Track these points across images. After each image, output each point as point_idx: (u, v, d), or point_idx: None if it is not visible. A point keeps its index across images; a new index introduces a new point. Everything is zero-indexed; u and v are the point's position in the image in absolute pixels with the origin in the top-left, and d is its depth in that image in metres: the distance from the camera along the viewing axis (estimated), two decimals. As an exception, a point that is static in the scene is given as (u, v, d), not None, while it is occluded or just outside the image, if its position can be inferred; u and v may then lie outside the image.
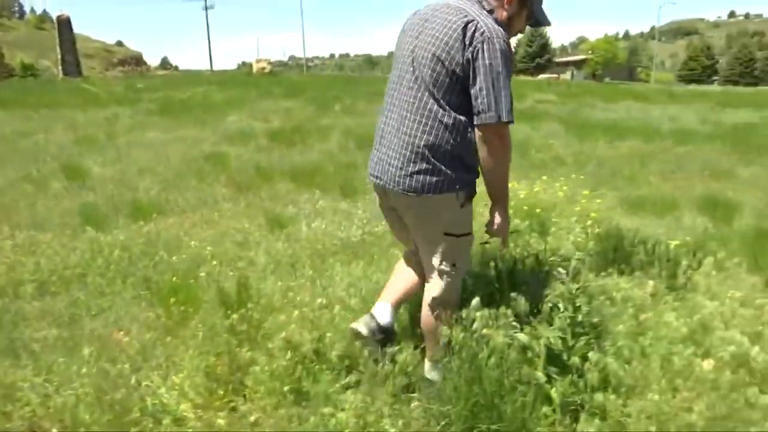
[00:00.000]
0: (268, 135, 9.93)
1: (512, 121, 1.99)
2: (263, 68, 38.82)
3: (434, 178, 2.04)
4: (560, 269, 1.92)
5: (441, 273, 2.15)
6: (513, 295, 1.98)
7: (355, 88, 23.59)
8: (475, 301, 1.93)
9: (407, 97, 2.10)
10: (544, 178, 4.73)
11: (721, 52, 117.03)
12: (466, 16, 1.99)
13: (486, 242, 2.42)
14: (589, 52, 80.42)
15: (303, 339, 2.14)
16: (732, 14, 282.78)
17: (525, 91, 23.01)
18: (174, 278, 3.08)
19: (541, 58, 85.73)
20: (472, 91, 1.97)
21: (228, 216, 5.09)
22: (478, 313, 1.87)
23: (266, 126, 11.39)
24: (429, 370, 2.19)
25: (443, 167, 2.04)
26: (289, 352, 2.06)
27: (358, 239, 4.12)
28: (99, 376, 2.16)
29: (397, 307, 2.34)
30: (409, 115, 2.08)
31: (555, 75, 63.35)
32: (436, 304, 2.15)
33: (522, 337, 1.84)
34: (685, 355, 1.88)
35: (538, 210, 3.56)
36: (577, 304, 1.85)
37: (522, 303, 1.95)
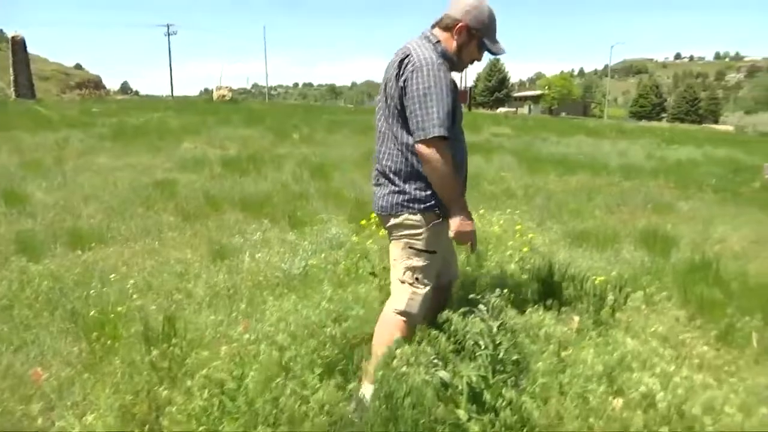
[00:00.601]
0: (222, 163, 9.83)
1: (443, 136, 2.15)
2: (224, 95, 38.54)
3: (400, 198, 2.29)
4: (482, 306, 1.92)
5: (404, 285, 2.32)
6: (434, 332, 1.97)
7: (316, 117, 23.67)
8: (399, 335, 1.91)
9: (378, 127, 2.40)
10: (481, 211, 4.77)
11: (669, 91, 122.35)
12: (405, 52, 2.26)
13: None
14: (546, 87, 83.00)
15: (224, 377, 2.07)
16: (678, 56, 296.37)
17: (482, 124, 23.52)
18: (99, 311, 2.97)
19: (499, 92, 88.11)
20: (407, 116, 2.21)
21: (171, 245, 4.97)
22: (398, 351, 1.85)
23: (221, 153, 11.28)
24: (365, 393, 2.18)
25: (407, 187, 2.28)
26: (207, 390, 1.99)
27: (300, 271, 4.07)
28: (2, 418, 2.04)
29: None
30: (379, 142, 2.37)
31: (513, 109, 65.03)
32: (401, 317, 2.28)
33: (443, 374, 1.83)
34: (599, 393, 1.90)
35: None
36: (498, 342, 1.86)
37: (443, 340, 1.94)
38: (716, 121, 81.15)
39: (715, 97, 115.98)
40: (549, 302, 2.50)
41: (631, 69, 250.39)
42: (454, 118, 2.26)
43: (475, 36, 2.34)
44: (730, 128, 44.78)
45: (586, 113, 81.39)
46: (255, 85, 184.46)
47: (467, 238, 2.30)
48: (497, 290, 1.98)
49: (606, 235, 5.62)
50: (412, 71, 2.18)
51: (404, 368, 1.81)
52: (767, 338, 2.93)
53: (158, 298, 3.55)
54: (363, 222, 4.02)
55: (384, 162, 2.32)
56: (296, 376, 2.09)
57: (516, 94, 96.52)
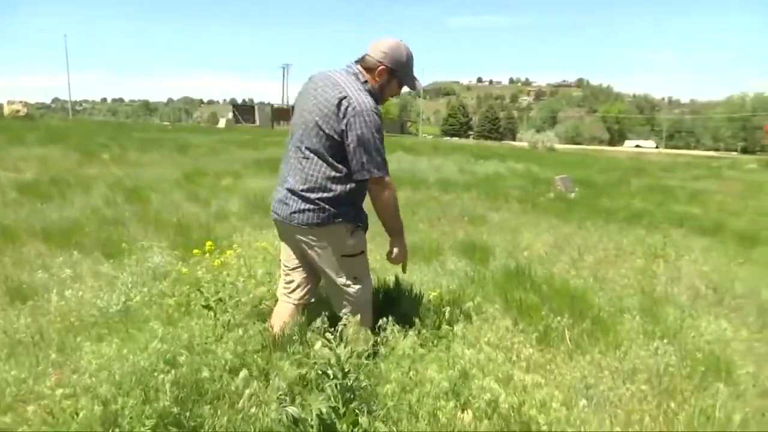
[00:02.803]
0: (17, 187, 8.61)
1: (386, 175, 2.50)
2: (17, 111, 33.85)
3: (320, 214, 2.50)
4: (328, 334, 1.88)
5: (347, 289, 2.60)
6: (281, 364, 1.88)
7: (128, 136, 21.94)
8: (243, 374, 1.79)
9: (299, 154, 2.56)
10: None
11: (474, 111, 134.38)
12: (341, 92, 2.44)
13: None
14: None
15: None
16: (480, 79, 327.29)
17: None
18: None
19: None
20: (348, 155, 2.45)
21: (-47, 289, 4.20)
22: (247, 391, 1.73)
23: (15, 177, 9.87)
24: None
25: (326, 204, 2.49)
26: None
27: (119, 308, 3.67)
28: None
29: None
30: (300, 167, 2.54)
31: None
32: (360, 311, 2.53)
33: (292, 410, 1.75)
34: (448, 409, 1.97)
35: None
36: (346, 369, 1.83)
37: (292, 372, 1.86)
38: (514, 138, 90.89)
39: (511, 117, 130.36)
40: (392, 319, 2.53)
41: (441, 90, 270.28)
42: None
43: (395, 75, 2.59)
44: (525, 144, 50.29)
45: (404, 131, 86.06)
46: (56, 100, 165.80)
47: (402, 259, 2.74)
48: (344, 316, 1.95)
49: (431, 247, 5.93)
50: (354, 116, 2.39)
51: (253, 409, 1.69)
52: (576, 334, 3.30)
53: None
54: (196, 251, 3.76)
55: (306, 185, 2.51)
56: (125, 432, 1.86)
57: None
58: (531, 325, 3.33)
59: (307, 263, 2.72)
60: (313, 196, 2.49)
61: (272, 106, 71.43)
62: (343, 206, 2.52)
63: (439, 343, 2.59)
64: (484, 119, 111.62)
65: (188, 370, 2.18)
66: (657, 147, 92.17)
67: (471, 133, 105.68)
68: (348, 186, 2.50)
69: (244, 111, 62.07)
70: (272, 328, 2.65)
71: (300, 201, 2.51)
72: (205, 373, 2.17)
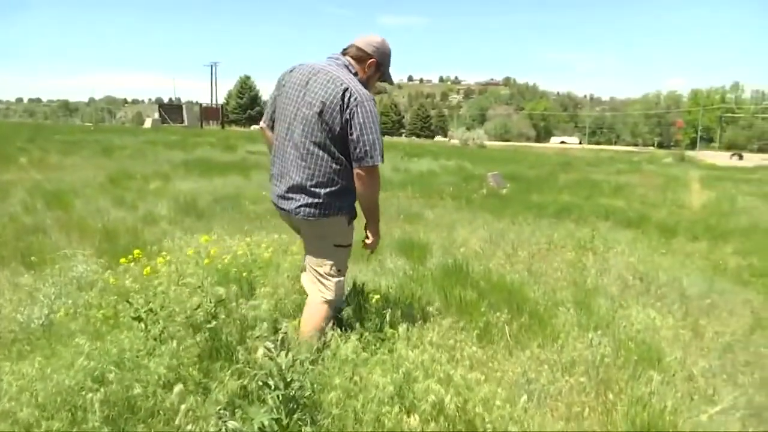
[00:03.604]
0: None
1: (382, 162, 2.59)
2: None
3: (327, 208, 2.61)
4: (268, 343, 1.80)
5: (327, 280, 2.71)
6: (221, 375, 1.79)
7: (48, 138, 20.77)
8: (178, 389, 1.69)
9: (299, 149, 2.60)
10: (248, 240, 4.59)
11: (406, 109, 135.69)
12: (342, 83, 2.53)
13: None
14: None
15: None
16: (410, 78, 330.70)
17: (236, 143, 23.10)
18: None
19: (252, 109, 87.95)
20: (351, 143, 2.54)
21: None
22: (183, 407, 1.63)
23: None
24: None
25: (333, 199, 2.61)
26: None
27: (42, 322, 3.43)
28: None
29: None
30: (304, 163, 2.59)
31: (267, 126, 65.31)
32: (329, 304, 2.68)
33: (233, 425, 1.67)
34: (393, 414, 1.94)
35: (244, 274, 3.43)
36: (289, 379, 1.76)
37: (231, 384, 1.77)
38: (445, 136, 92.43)
39: (442, 114, 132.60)
40: (331, 323, 2.48)
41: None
42: None
43: (380, 69, 2.78)
44: (456, 142, 51.26)
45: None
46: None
47: (377, 244, 2.93)
48: (284, 324, 1.88)
49: (369, 247, 5.89)
50: (356, 106, 2.51)
51: (190, 426, 1.60)
52: (515, 329, 3.36)
53: None
54: (123, 260, 3.56)
55: (311, 179, 2.58)
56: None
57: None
58: (471, 322, 3.35)
59: None
60: (321, 191, 2.59)
61: (201, 105, 69.42)
62: (345, 197, 2.66)
63: (382, 346, 2.56)
64: (416, 117, 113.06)
65: (118, 387, 2.04)
66: (581, 143, 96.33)
67: (403, 131, 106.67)
68: (350, 177, 2.63)
69: (171, 110, 59.85)
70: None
71: (307, 196, 2.60)
72: (137, 390, 2.04)
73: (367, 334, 2.57)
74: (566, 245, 6.47)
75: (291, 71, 2.74)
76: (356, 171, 2.58)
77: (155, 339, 2.36)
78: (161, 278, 3.07)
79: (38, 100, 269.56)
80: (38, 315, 3.50)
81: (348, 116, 2.51)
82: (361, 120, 2.51)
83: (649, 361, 3.04)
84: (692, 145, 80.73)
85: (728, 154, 57.31)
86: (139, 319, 2.48)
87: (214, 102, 71.07)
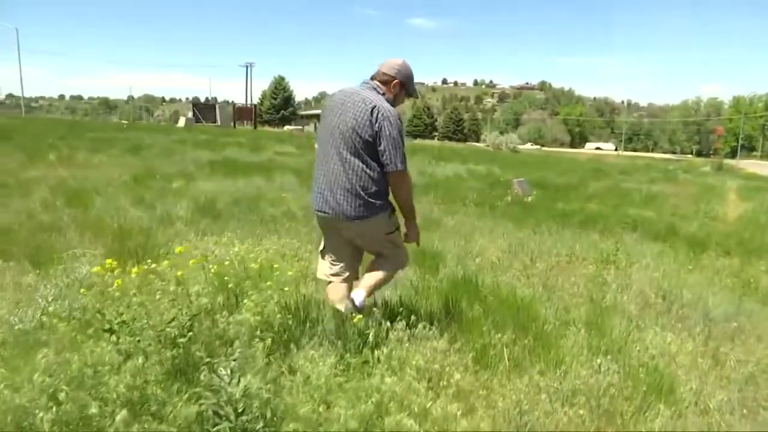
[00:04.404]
0: (-52, 193, 8.10)
1: (406, 168, 3.14)
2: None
3: (371, 208, 3.12)
4: (222, 369, 1.66)
5: (391, 252, 3.36)
6: (176, 401, 1.66)
7: (80, 135, 21.15)
8: (120, 416, 1.56)
9: (340, 159, 3.11)
10: (237, 247, 4.42)
11: (439, 112, 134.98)
12: (371, 103, 3.06)
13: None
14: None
15: None
16: (444, 81, 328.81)
17: (265, 143, 23.17)
18: None
19: (285, 110, 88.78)
20: (379, 152, 3.06)
21: None
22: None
23: (-54, 182, 9.32)
24: (357, 294, 3.16)
25: (372, 199, 3.11)
26: None
27: (35, 324, 3.36)
28: None
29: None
30: (343, 170, 3.10)
31: (299, 127, 65.79)
32: (392, 270, 3.43)
33: (175, 459, 1.53)
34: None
35: (230, 285, 3.30)
36: (240, 409, 1.62)
37: (185, 410, 1.64)
38: (478, 140, 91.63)
39: (475, 118, 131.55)
40: (309, 342, 2.32)
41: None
42: None
43: (404, 87, 3.28)
44: (489, 146, 50.72)
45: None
46: (10, 95, 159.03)
47: (417, 238, 3.47)
48: (237, 348, 1.74)
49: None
50: (383, 120, 3.02)
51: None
52: (517, 352, 3.14)
53: None
54: (109, 261, 3.46)
55: (355, 185, 3.07)
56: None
57: (302, 113, 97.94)
58: (469, 342, 3.15)
59: (353, 248, 3.36)
60: (364, 194, 3.08)
61: (234, 104, 70.24)
62: (382, 197, 3.16)
63: (362, 369, 2.38)
64: (449, 120, 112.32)
65: (73, 407, 1.93)
66: (616, 149, 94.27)
67: (436, 134, 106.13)
68: (384, 181, 3.13)
69: (204, 110, 60.63)
70: (334, 304, 3.20)
71: (355, 199, 3.08)
72: (93, 410, 1.92)
73: (347, 355, 2.40)
74: (588, 258, 6.21)
75: (332, 96, 3.30)
76: (388, 176, 3.12)
77: (121, 353, 2.24)
78: (141, 288, 2.94)
79: (79, 97, 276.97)
80: (31, 317, 3.44)
81: (377, 129, 3.02)
82: (387, 133, 3.03)
83: (659, 392, 2.80)
84: (732, 154, 78.25)
85: (771, 163, 55.34)
86: (111, 330, 2.37)
87: (248, 102, 71.84)
